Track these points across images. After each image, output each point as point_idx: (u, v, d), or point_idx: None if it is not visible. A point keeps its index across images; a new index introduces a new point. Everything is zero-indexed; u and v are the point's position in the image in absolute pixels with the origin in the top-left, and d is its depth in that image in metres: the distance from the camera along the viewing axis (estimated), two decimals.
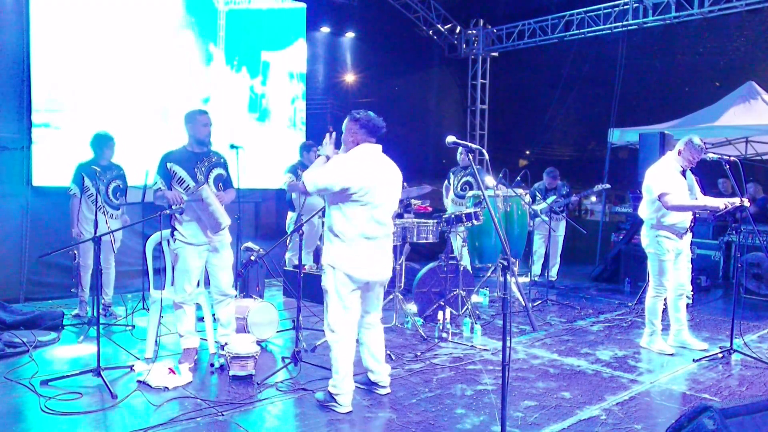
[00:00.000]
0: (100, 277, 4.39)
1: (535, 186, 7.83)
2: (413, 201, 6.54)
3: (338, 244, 3.61)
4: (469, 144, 3.11)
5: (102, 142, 5.55)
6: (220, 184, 4.46)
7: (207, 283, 4.77)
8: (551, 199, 7.62)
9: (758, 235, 6.42)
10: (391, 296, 5.69)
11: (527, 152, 12.15)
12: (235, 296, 4.67)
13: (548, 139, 11.36)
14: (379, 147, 3.72)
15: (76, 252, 5.59)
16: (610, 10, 9.48)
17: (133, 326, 5.41)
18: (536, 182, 7.91)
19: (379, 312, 3.93)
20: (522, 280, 7.95)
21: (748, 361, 4.79)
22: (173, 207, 4.17)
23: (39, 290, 6.33)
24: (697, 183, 5.09)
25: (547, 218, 7.40)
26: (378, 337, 3.90)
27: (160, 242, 4.85)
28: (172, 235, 4.34)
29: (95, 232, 4.12)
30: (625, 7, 9.23)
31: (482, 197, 5.26)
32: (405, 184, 6.55)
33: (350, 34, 9.76)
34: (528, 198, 7.23)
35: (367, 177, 3.53)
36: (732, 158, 4.75)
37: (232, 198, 4.59)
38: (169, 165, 4.27)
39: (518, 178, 7.31)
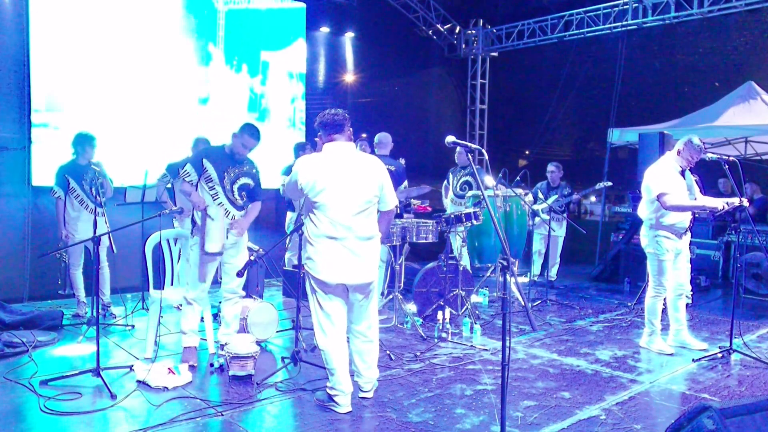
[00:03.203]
0: (97, 276, 4.39)
1: (537, 186, 7.82)
2: (413, 201, 6.54)
3: (308, 248, 3.62)
4: (469, 144, 3.11)
5: (82, 142, 5.54)
6: (244, 193, 4.49)
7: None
8: (552, 198, 7.62)
9: (757, 235, 6.43)
10: (391, 296, 5.69)
11: (527, 152, 12.16)
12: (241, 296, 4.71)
13: (548, 139, 11.37)
14: (349, 145, 3.67)
15: (63, 254, 5.60)
16: (609, 10, 9.48)
17: (133, 326, 5.41)
18: (536, 182, 7.89)
19: (370, 323, 3.76)
20: (521, 280, 7.96)
21: (747, 361, 4.79)
22: (173, 208, 4.22)
23: (42, 290, 6.33)
24: (696, 183, 5.10)
25: (547, 216, 7.39)
26: (366, 347, 3.76)
27: (160, 242, 4.85)
28: (192, 232, 4.42)
29: (94, 232, 4.11)
30: (625, 7, 9.23)
31: (482, 197, 5.27)
32: (405, 183, 6.61)
33: (350, 34, 9.76)
34: (529, 198, 7.24)
35: (320, 176, 3.51)
36: (731, 158, 4.76)
37: (254, 215, 4.62)
38: (204, 162, 4.35)
39: (518, 177, 7.31)
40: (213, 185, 4.35)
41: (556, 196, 7.64)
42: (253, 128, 4.42)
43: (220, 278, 4.70)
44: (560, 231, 7.82)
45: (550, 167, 7.82)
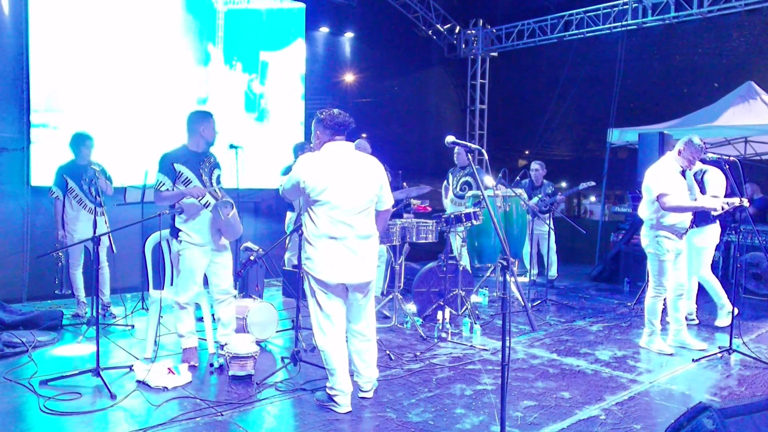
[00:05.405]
0: (97, 276, 4.39)
1: (521, 184, 7.73)
2: (413, 201, 6.55)
3: (308, 248, 3.61)
4: (469, 144, 3.11)
5: (79, 142, 5.53)
6: (220, 185, 4.48)
7: (205, 283, 4.76)
8: (536, 198, 7.59)
9: (757, 235, 6.42)
10: (391, 296, 5.69)
11: (526, 152, 12.15)
12: (235, 296, 4.68)
13: (547, 139, 11.36)
14: (349, 145, 3.67)
15: (61, 255, 5.60)
16: (609, 10, 9.48)
17: (132, 326, 5.41)
18: (522, 180, 7.80)
19: (368, 323, 3.77)
20: (521, 280, 7.95)
21: (747, 361, 4.79)
22: (176, 206, 4.19)
23: (41, 290, 6.33)
24: (696, 183, 5.10)
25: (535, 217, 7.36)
26: (365, 346, 3.77)
27: (159, 242, 4.85)
28: (177, 236, 4.31)
29: (94, 232, 4.11)
30: (625, 7, 9.23)
31: (481, 197, 5.28)
32: (405, 184, 6.61)
33: (349, 34, 9.76)
34: (525, 195, 7.21)
35: (322, 175, 3.50)
36: (731, 158, 4.76)
37: None
38: (176, 166, 4.25)
39: (517, 177, 7.30)
40: (193, 186, 4.28)
41: (540, 196, 7.61)
42: (201, 112, 4.49)
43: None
44: (545, 229, 7.75)
45: (534, 165, 7.77)
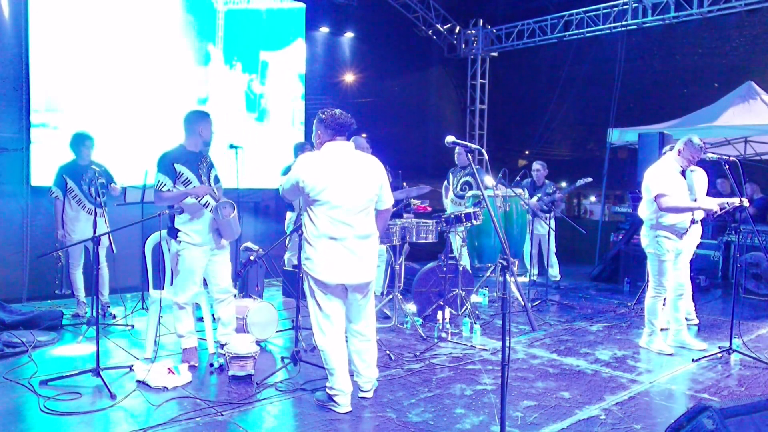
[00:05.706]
0: (97, 276, 4.39)
1: (522, 184, 7.73)
2: (413, 201, 6.55)
3: (307, 248, 3.61)
4: (469, 144, 3.11)
5: (79, 142, 5.52)
6: (218, 184, 4.48)
7: (204, 283, 4.76)
8: (536, 198, 7.58)
9: (757, 235, 6.42)
10: (391, 296, 5.69)
11: (526, 152, 12.15)
12: (235, 295, 4.67)
13: (547, 138, 11.36)
14: (350, 145, 3.67)
15: (61, 255, 5.60)
16: (609, 10, 9.49)
17: (132, 326, 5.41)
18: (523, 180, 7.80)
19: (368, 322, 3.77)
20: (521, 280, 7.94)
21: (747, 361, 4.79)
22: (175, 206, 4.18)
23: (41, 290, 6.33)
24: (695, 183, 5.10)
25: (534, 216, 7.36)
26: (364, 346, 3.76)
27: (159, 242, 4.84)
28: (176, 236, 4.29)
29: (94, 232, 4.11)
30: (625, 7, 9.24)
31: (482, 197, 5.27)
32: (405, 184, 6.61)
33: (349, 34, 9.77)
34: (526, 195, 7.21)
35: (322, 175, 3.50)
36: (731, 158, 4.76)
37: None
38: (176, 166, 4.23)
39: (518, 177, 7.30)
40: (193, 186, 4.27)
41: (540, 195, 7.61)
42: (199, 111, 4.49)
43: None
44: (546, 230, 7.75)
45: (536, 165, 7.76)
